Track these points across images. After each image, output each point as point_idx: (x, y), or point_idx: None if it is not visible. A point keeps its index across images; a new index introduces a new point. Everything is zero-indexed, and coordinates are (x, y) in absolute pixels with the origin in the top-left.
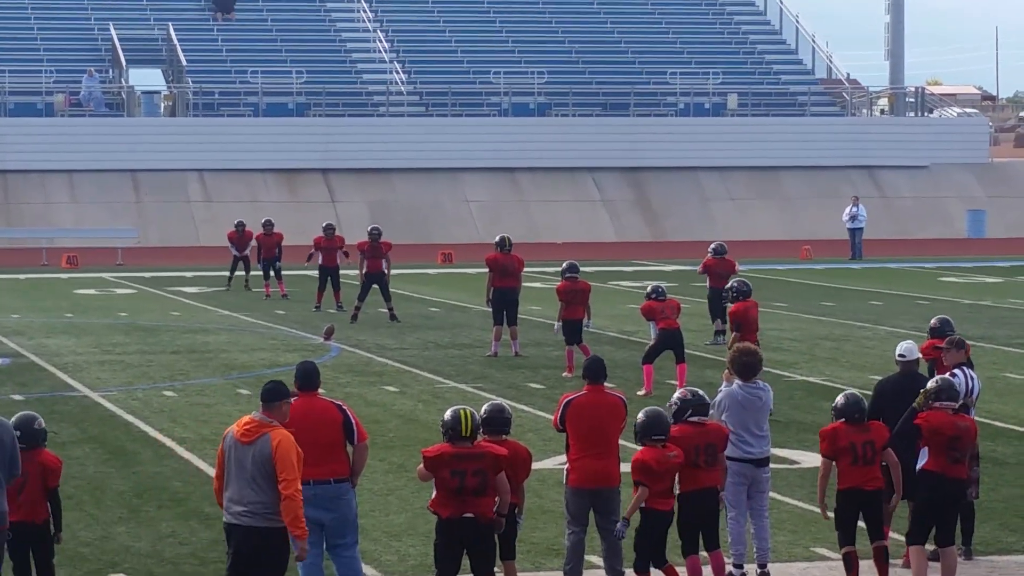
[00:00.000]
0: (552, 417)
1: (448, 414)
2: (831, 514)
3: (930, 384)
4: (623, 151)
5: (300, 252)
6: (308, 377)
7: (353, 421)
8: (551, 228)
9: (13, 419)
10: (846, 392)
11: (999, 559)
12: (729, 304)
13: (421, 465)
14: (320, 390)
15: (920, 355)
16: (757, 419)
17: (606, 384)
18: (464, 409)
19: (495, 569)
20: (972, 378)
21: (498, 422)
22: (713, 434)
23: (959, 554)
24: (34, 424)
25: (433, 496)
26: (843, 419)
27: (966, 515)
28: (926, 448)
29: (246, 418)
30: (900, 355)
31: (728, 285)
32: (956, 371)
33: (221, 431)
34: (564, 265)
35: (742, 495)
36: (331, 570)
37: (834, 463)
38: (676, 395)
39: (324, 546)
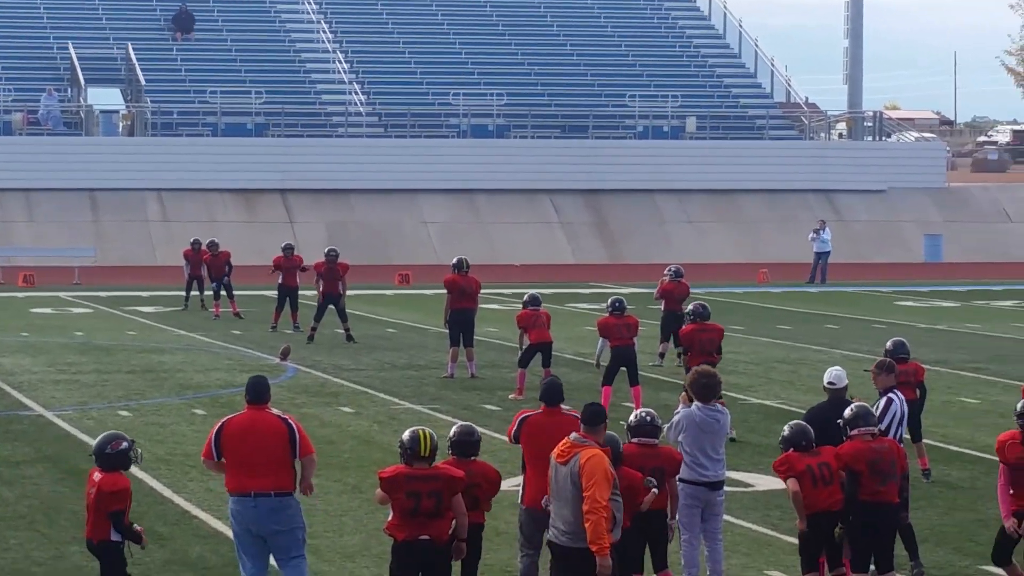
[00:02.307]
0: (507, 439)
1: (407, 435)
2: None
3: (846, 413)
4: (582, 173)
5: (257, 272)
6: (257, 391)
7: (298, 435)
8: (509, 250)
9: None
10: (791, 423)
11: None
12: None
13: (379, 488)
14: (270, 405)
15: (847, 382)
16: (714, 442)
17: (563, 407)
18: (423, 430)
19: None
20: (903, 401)
21: (466, 445)
22: (663, 458)
23: (912, 569)
24: (107, 448)
25: (389, 518)
26: (792, 448)
27: (906, 535)
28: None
29: (565, 439)
30: (829, 383)
31: (689, 308)
32: (892, 395)
33: (176, 451)
34: (527, 297)
35: (696, 518)
36: None
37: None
38: (632, 416)
39: (268, 559)
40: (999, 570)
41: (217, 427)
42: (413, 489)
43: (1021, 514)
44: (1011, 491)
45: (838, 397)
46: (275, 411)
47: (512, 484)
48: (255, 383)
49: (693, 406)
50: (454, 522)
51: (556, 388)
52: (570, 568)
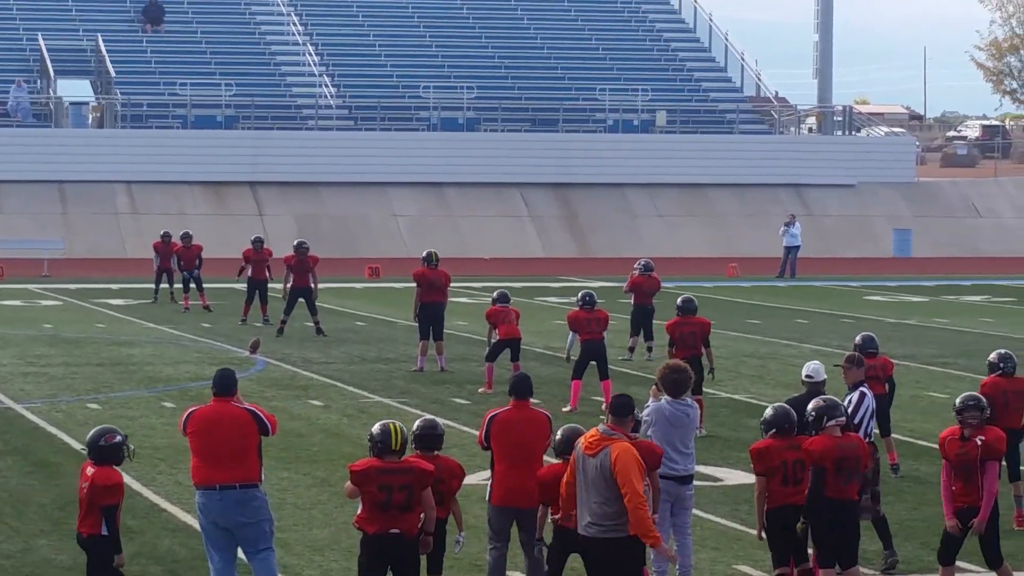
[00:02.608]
0: (477, 434)
1: (377, 428)
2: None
3: (813, 405)
4: (551, 167)
5: (226, 265)
6: (224, 383)
7: (262, 416)
8: (479, 243)
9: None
10: (774, 405)
11: None
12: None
13: (348, 482)
14: (235, 397)
15: (825, 376)
16: (683, 436)
17: (532, 400)
18: (394, 423)
19: None
20: (872, 396)
21: (430, 438)
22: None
23: (886, 558)
24: (100, 440)
25: (359, 512)
26: (774, 430)
27: (881, 527)
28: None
29: (592, 431)
30: (807, 376)
31: (678, 301)
32: (864, 389)
33: (145, 444)
34: (496, 293)
35: (665, 512)
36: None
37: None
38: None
39: (236, 552)
40: (975, 566)
41: (186, 413)
42: (385, 482)
43: (965, 511)
44: (953, 488)
45: (816, 391)
46: (238, 403)
47: (482, 479)
48: (222, 375)
49: (663, 400)
50: (422, 516)
51: (525, 381)
52: (598, 557)
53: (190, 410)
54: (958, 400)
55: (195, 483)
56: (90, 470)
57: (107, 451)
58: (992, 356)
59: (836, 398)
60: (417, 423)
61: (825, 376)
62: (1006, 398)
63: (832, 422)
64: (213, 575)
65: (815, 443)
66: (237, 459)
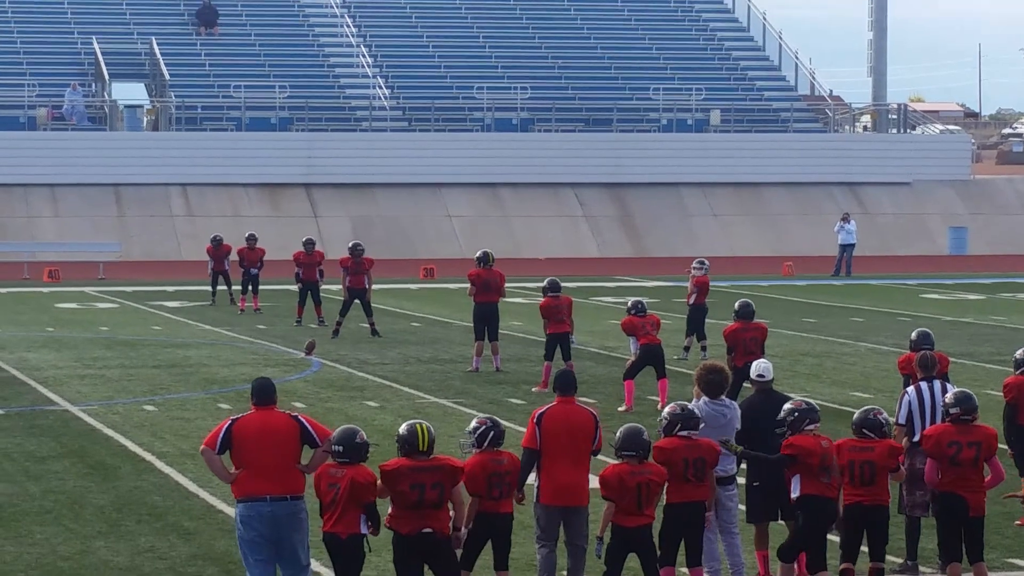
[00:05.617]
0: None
1: (404, 428)
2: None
3: (789, 406)
4: (606, 167)
5: (282, 267)
6: (264, 392)
7: (309, 426)
8: (533, 244)
9: (335, 433)
10: (865, 408)
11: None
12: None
13: (379, 481)
14: (275, 405)
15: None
16: (722, 437)
17: (578, 398)
18: (420, 423)
19: None
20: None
21: (499, 436)
22: (703, 449)
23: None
24: (355, 438)
25: (390, 512)
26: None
27: (912, 531)
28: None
29: None
30: (759, 375)
31: (736, 305)
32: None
33: (200, 446)
34: (546, 283)
35: (710, 513)
36: None
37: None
38: (666, 410)
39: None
40: None
41: (227, 424)
42: (417, 480)
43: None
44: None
45: (766, 389)
46: (282, 411)
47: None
48: (262, 385)
49: (701, 401)
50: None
51: (568, 376)
52: None
53: (231, 420)
54: (948, 396)
55: (241, 495)
56: (337, 471)
57: (362, 449)
58: (1019, 353)
59: (811, 402)
60: (474, 423)
61: (772, 376)
62: None
63: (812, 425)
64: None
65: (798, 441)
66: (286, 470)
